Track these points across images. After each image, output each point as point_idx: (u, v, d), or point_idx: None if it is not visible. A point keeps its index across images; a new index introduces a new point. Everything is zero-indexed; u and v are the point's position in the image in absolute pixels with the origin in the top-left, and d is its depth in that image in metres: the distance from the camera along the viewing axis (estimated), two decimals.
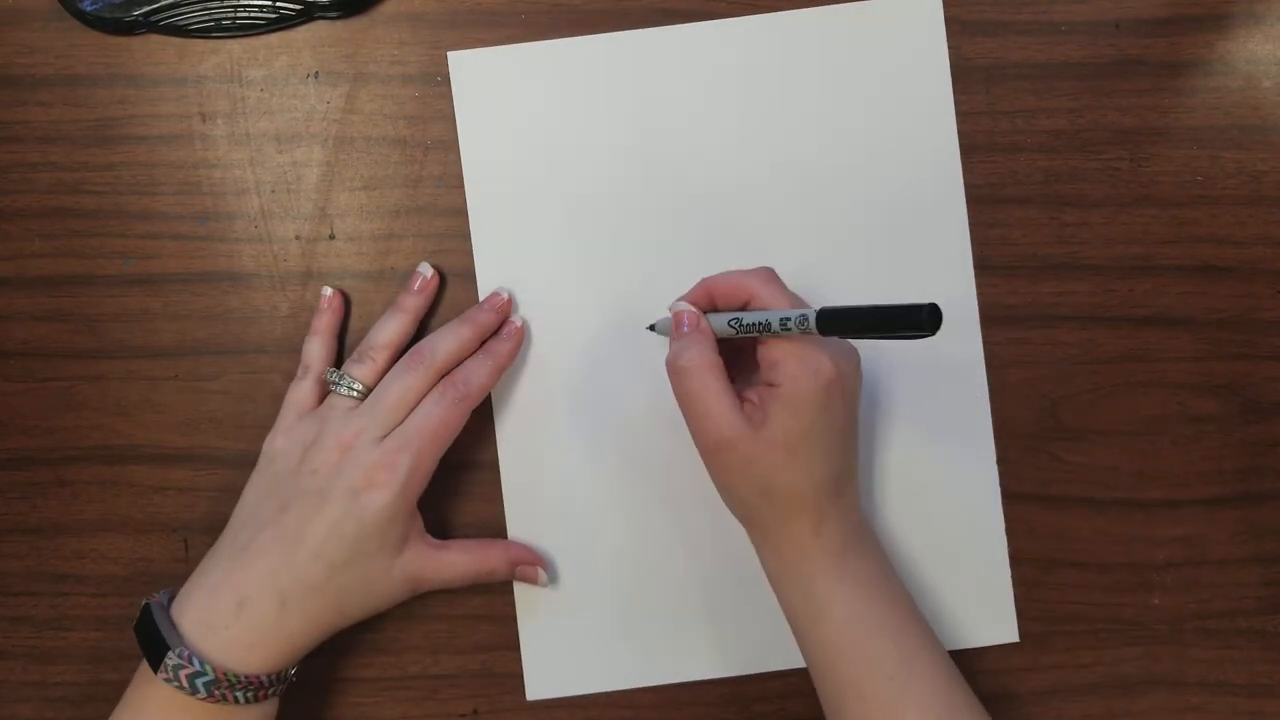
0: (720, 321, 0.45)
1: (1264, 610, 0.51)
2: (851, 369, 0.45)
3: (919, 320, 0.37)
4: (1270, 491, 0.51)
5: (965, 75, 0.51)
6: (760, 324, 0.43)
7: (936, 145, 0.50)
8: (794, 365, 0.43)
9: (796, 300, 0.45)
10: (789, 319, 0.42)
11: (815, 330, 0.41)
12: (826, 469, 0.44)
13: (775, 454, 0.43)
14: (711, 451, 0.44)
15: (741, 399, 0.44)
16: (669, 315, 0.47)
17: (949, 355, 0.50)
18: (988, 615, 0.50)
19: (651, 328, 0.49)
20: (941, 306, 0.38)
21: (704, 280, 0.47)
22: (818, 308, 0.41)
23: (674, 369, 0.45)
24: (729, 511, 0.47)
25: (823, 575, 0.44)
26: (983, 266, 0.51)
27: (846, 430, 0.45)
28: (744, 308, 0.45)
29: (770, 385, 0.44)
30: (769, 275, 0.46)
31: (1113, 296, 0.51)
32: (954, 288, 0.50)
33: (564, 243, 0.50)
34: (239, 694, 0.43)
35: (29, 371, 0.51)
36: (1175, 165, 0.51)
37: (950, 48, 0.50)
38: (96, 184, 0.50)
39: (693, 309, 0.46)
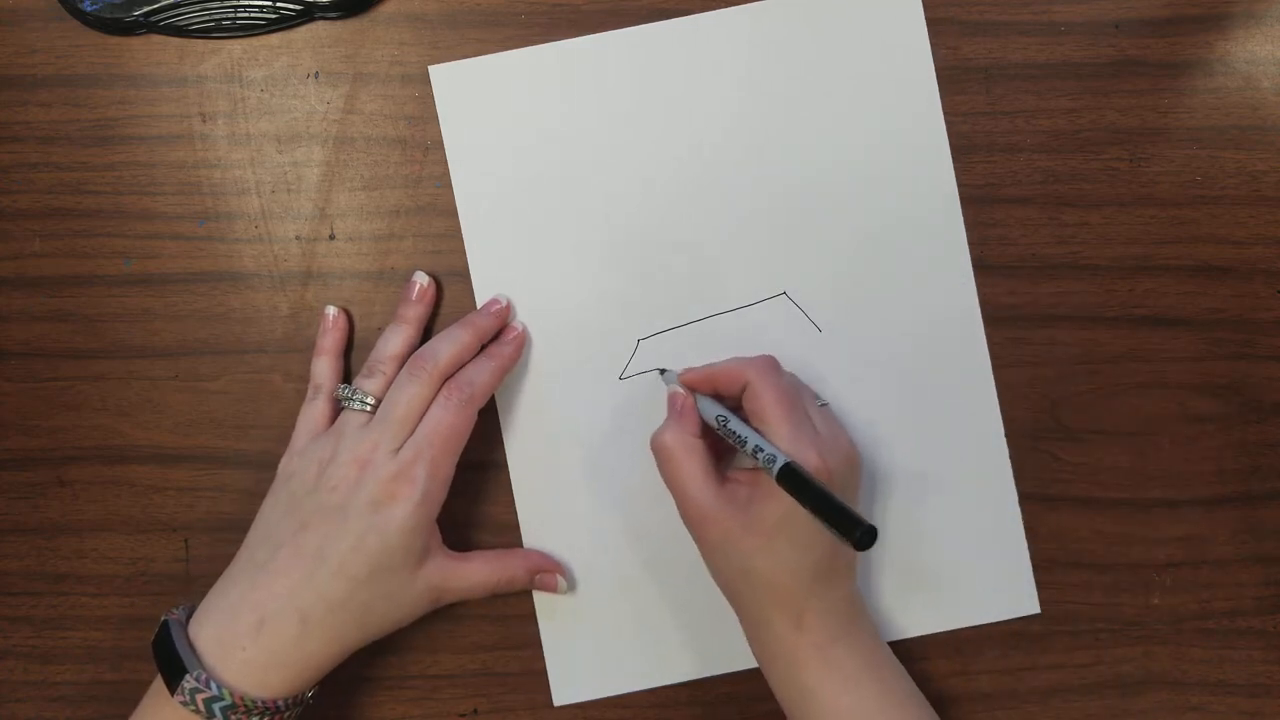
0: (710, 413, 0.46)
1: (1264, 610, 0.51)
2: (843, 466, 0.44)
3: (853, 533, 0.39)
4: (1270, 491, 0.51)
5: (965, 75, 0.51)
6: (739, 438, 0.44)
7: (927, 145, 0.50)
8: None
9: (790, 393, 0.45)
10: (761, 451, 0.43)
11: (774, 478, 0.42)
12: (804, 559, 0.44)
13: (753, 537, 0.44)
14: (691, 526, 0.46)
15: (731, 479, 0.46)
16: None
17: (953, 355, 0.51)
18: (1007, 590, 0.50)
19: (662, 372, 0.50)
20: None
21: (708, 366, 0.47)
22: (783, 461, 0.42)
23: (653, 447, 0.46)
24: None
25: (807, 668, 0.44)
26: (982, 266, 0.51)
27: None
28: (742, 393, 0.45)
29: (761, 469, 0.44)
30: (767, 365, 0.46)
31: (1113, 296, 0.51)
32: (953, 287, 0.50)
33: (560, 246, 0.50)
34: (255, 719, 0.42)
35: (29, 371, 0.51)
36: (1175, 165, 0.51)
37: (950, 48, 0.50)
38: (97, 184, 0.50)
39: (683, 392, 0.47)
